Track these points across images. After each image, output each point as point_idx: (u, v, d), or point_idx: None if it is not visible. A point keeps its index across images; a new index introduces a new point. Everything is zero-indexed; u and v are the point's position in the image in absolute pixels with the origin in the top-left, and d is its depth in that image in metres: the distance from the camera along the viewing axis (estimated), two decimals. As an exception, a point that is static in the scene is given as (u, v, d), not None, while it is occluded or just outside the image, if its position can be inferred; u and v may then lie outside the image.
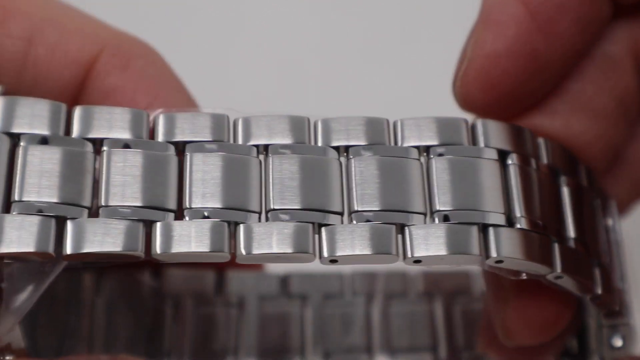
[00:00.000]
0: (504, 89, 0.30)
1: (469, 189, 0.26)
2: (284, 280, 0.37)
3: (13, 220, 0.25)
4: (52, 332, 0.33)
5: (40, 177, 0.25)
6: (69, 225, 0.25)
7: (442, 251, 0.25)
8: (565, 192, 0.28)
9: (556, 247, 0.27)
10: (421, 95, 0.47)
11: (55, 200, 0.25)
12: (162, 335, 0.35)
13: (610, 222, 0.31)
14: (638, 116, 0.32)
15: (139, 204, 0.25)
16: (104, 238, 0.25)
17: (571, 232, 0.28)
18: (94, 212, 0.25)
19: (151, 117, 0.26)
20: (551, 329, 0.31)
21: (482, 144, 0.27)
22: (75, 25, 0.29)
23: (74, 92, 0.29)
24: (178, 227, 0.25)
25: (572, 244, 0.28)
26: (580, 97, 0.31)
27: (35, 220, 0.25)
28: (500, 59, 0.29)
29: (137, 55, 0.29)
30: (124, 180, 0.25)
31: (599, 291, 0.28)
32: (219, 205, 0.25)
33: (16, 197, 0.25)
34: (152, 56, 0.29)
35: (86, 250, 0.25)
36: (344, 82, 0.50)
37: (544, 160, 0.28)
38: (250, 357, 0.36)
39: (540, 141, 0.29)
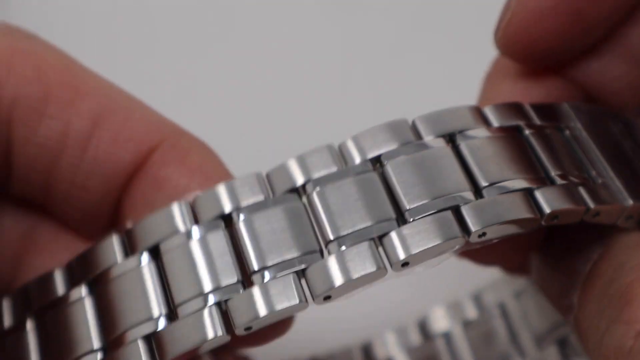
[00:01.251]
0: (545, 45, 0.30)
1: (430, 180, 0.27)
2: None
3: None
4: None
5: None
6: None
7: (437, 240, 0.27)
8: (532, 139, 0.29)
9: (537, 193, 0.28)
10: (420, 100, 0.49)
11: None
12: None
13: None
14: None
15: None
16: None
17: (550, 171, 0.28)
18: None
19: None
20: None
21: (428, 137, 0.28)
22: (140, 114, 0.31)
23: (128, 175, 0.30)
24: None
25: (556, 181, 0.28)
26: (625, 42, 0.31)
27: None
28: (542, 17, 0.30)
29: (194, 152, 0.30)
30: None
31: (592, 205, 0.28)
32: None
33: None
34: (208, 154, 0.31)
35: None
36: (342, 88, 0.51)
37: (495, 123, 0.29)
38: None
39: (487, 110, 0.29)
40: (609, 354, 0.27)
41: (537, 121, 0.29)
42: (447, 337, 0.40)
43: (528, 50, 0.31)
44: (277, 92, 0.50)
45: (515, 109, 0.29)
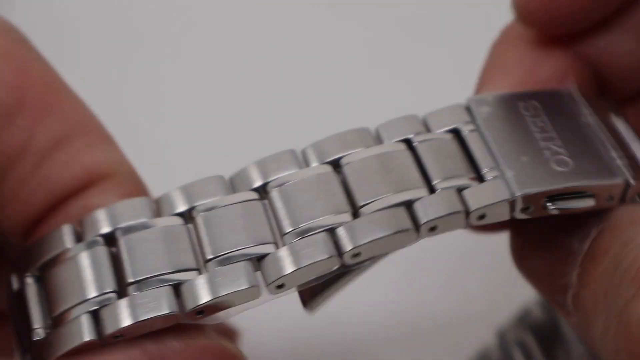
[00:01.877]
0: (564, 5, 0.30)
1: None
2: None
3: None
4: None
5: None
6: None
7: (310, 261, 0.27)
8: (419, 150, 0.29)
9: (416, 204, 0.28)
10: (422, 99, 0.48)
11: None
12: None
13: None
14: None
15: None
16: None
17: (433, 180, 0.28)
18: None
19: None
20: None
21: (314, 163, 0.29)
22: (102, 146, 0.31)
23: (65, 198, 0.31)
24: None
25: (437, 189, 0.28)
26: (635, 17, 0.31)
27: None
28: None
29: (141, 188, 0.31)
30: None
31: (473, 207, 0.28)
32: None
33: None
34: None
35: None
36: (344, 86, 0.51)
37: (386, 140, 0.29)
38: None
39: (380, 129, 0.30)
40: (632, 326, 0.26)
41: (431, 129, 0.30)
42: None
43: (547, 13, 0.30)
44: (274, 94, 0.51)
45: (407, 120, 0.30)
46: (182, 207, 0.29)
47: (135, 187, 0.31)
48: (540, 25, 0.31)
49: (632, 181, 0.28)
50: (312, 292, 0.30)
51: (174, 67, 0.52)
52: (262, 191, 0.29)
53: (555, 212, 0.28)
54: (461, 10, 0.52)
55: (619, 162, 0.29)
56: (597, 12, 0.31)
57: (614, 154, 0.29)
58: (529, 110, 0.30)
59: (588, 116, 0.30)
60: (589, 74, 0.32)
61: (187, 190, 0.29)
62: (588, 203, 0.28)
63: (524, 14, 0.31)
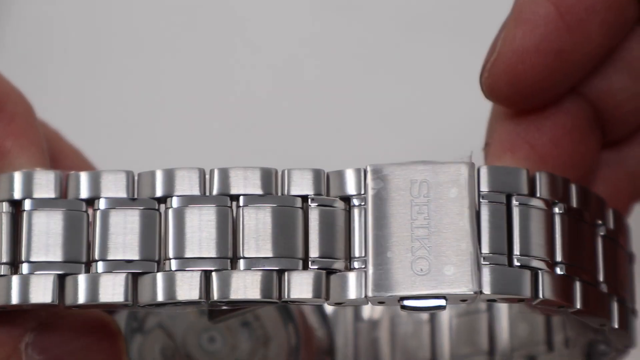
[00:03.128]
0: (529, 83, 0.32)
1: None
2: None
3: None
4: None
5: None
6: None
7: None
8: (311, 214, 0.30)
9: (287, 274, 0.29)
10: (419, 104, 0.49)
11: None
12: None
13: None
14: None
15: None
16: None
17: (310, 253, 0.30)
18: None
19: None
20: None
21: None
22: None
23: None
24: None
25: (309, 265, 0.30)
26: (626, 56, 0.33)
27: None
28: (527, 55, 0.32)
29: (19, 118, 0.32)
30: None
31: (337, 299, 0.30)
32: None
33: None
34: (30, 121, 0.32)
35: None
36: (342, 90, 0.51)
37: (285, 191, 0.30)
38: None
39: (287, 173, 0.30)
40: None
41: (329, 190, 0.31)
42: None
43: (513, 89, 0.32)
44: (273, 95, 0.51)
45: (312, 176, 0.30)
46: (86, 194, 0.30)
47: (17, 109, 0.31)
48: (507, 100, 0.32)
49: (485, 290, 0.30)
50: (220, 312, 0.33)
51: (173, 68, 0.53)
52: (165, 201, 0.30)
53: (411, 311, 0.30)
54: (459, 10, 0.52)
55: (484, 263, 0.30)
56: (564, 80, 0.32)
57: (485, 250, 0.30)
58: (417, 190, 0.30)
59: (472, 203, 0.30)
60: (592, 113, 0.33)
61: (95, 179, 0.30)
62: (440, 304, 0.30)
63: (491, 92, 0.32)
